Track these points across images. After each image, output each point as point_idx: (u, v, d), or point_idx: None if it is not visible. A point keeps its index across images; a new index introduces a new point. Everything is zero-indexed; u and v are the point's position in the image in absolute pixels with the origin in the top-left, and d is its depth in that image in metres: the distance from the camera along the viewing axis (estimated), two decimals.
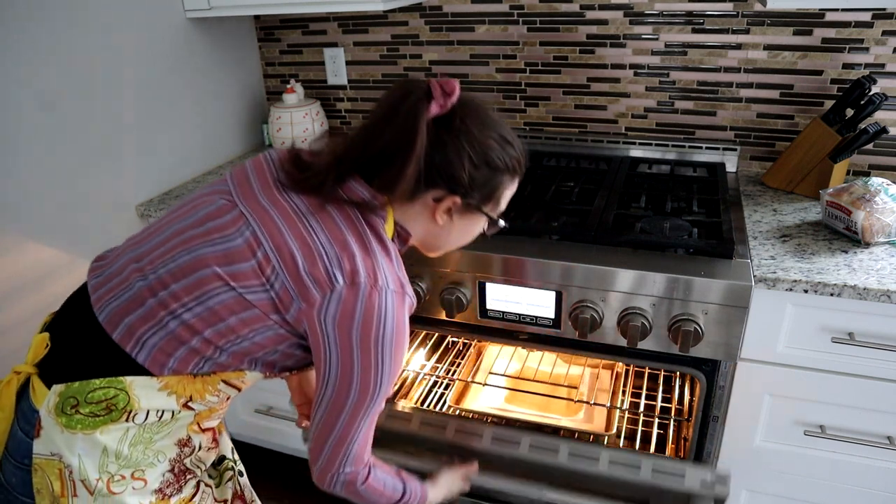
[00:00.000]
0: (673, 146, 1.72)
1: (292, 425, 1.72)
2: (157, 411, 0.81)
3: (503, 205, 0.91)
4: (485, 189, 0.85)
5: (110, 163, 1.55)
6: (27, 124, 1.34)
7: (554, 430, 1.54)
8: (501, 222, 0.90)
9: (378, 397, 0.81)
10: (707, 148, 1.69)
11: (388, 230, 0.84)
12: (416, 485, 0.98)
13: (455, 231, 0.89)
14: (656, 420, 1.49)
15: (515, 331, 1.36)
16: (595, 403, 1.51)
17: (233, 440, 1.13)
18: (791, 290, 1.16)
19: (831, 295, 1.14)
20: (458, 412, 1.56)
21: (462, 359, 1.76)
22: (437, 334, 1.72)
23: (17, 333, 1.38)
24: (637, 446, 1.49)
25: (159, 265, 0.80)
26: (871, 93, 1.44)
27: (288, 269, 0.76)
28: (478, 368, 1.70)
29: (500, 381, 1.65)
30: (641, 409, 1.54)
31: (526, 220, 1.43)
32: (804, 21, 1.53)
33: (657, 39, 1.66)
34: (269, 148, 1.91)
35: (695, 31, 1.62)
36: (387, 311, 0.77)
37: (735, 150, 1.67)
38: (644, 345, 1.26)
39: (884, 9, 1.45)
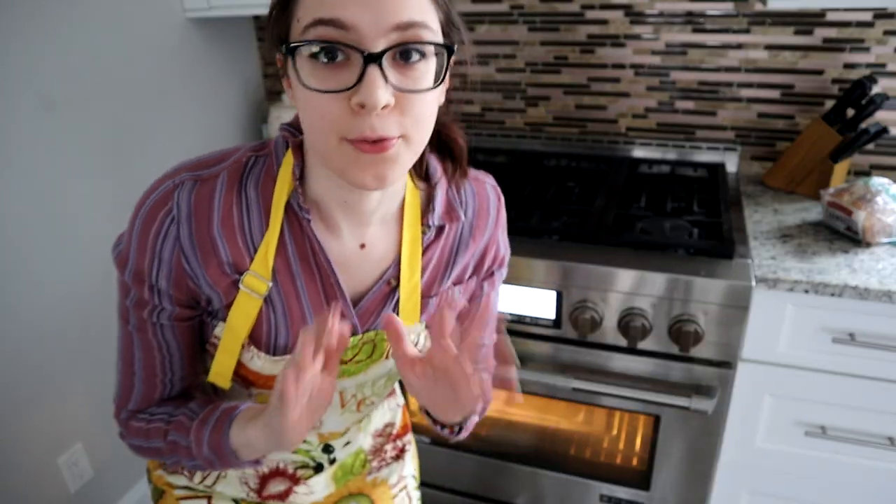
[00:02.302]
0: (673, 146, 1.72)
1: None
2: None
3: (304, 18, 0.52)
4: (279, 19, 0.55)
5: (110, 163, 1.55)
6: (26, 124, 1.34)
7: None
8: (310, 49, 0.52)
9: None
10: (707, 148, 1.69)
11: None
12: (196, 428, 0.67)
13: (301, 112, 0.57)
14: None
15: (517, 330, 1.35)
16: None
17: None
18: (792, 290, 1.16)
19: (832, 295, 1.14)
20: None
21: None
22: None
23: (20, 332, 1.38)
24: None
25: None
26: (872, 93, 1.44)
27: None
28: None
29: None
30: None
31: (526, 220, 1.43)
32: (805, 21, 1.52)
33: (657, 39, 1.65)
34: None
35: (695, 30, 1.62)
36: None
37: (735, 150, 1.67)
38: (644, 345, 1.26)
39: (885, 8, 1.45)
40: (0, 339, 1.35)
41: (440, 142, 0.69)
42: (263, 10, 1.66)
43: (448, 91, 0.64)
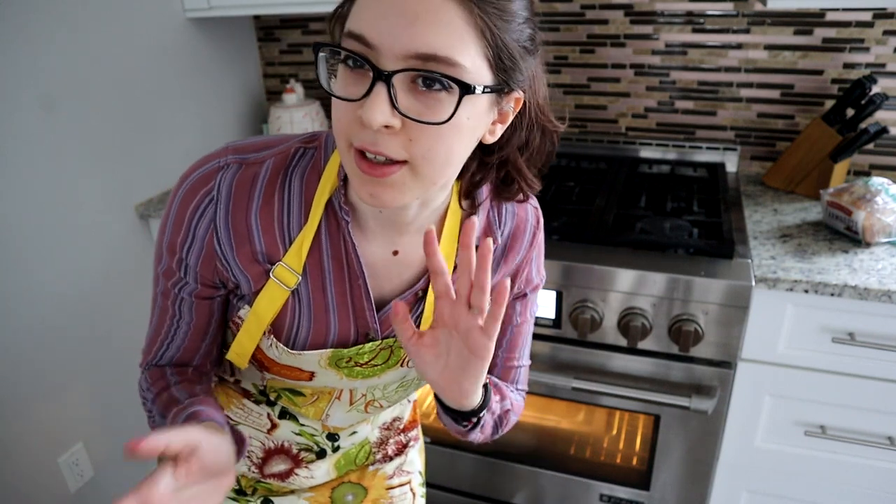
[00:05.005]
0: (673, 146, 1.72)
1: None
2: None
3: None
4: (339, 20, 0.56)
5: (110, 163, 1.55)
6: (27, 124, 1.34)
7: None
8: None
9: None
10: (707, 148, 1.69)
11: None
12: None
13: None
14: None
15: None
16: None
17: None
18: (791, 290, 1.16)
19: (832, 295, 1.14)
20: None
21: None
22: None
23: (20, 332, 1.38)
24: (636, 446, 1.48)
25: None
26: (871, 93, 1.44)
27: None
28: None
29: None
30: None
31: None
32: (805, 21, 1.52)
33: (657, 39, 1.65)
34: None
35: (695, 30, 1.62)
36: None
37: (735, 149, 1.67)
38: (644, 345, 1.26)
39: (884, 8, 1.45)
40: (1, 338, 1.35)
41: (506, 177, 0.67)
42: (263, 10, 1.67)
43: (516, 133, 0.63)
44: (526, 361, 0.83)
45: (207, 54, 1.82)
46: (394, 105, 0.50)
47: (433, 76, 0.50)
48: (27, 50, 1.32)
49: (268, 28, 2.02)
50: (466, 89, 0.51)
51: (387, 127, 0.51)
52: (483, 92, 0.52)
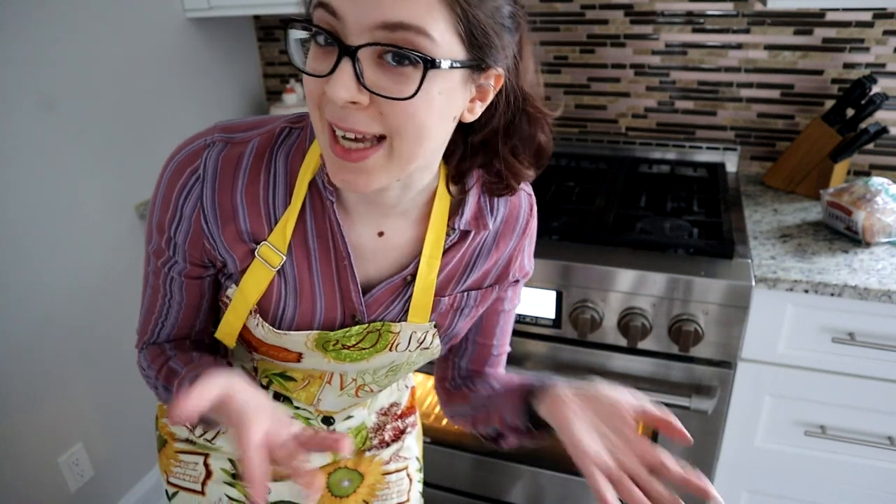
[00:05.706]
0: (673, 146, 1.72)
1: None
2: None
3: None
4: None
5: (110, 163, 1.55)
6: (27, 124, 1.34)
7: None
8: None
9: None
10: (707, 148, 1.69)
11: None
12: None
13: None
14: None
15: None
16: None
17: None
18: (791, 290, 1.16)
19: (832, 295, 1.14)
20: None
21: None
22: None
23: (20, 332, 1.38)
24: None
25: None
26: (871, 93, 1.44)
27: None
28: None
29: None
30: None
31: None
32: (805, 21, 1.52)
33: (657, 39, 1.65)
34: None
35: (695, 30, 1.62)
36: None
37: (735, 149, 1.67)
38: (644, 345, 1.26)
39: (884, 8, 1.45)
40: (1, 339, 1.35)
41: (494, 169, 0.65)
42: (263, 10, 1.67)
43: (502, 113, 0.61)
44: (504, 348, 0.85)
45: (207, 54, 1.82)
46: (359, 80, 0.49)
47: (399, 51, 0.48)
48: (27, 50, 1.32)
49: (268, 28, 2.02)
50: (431, 64, 0.49)
51: (354, 103, 0.50)
52: (451, 67, 0.51)
